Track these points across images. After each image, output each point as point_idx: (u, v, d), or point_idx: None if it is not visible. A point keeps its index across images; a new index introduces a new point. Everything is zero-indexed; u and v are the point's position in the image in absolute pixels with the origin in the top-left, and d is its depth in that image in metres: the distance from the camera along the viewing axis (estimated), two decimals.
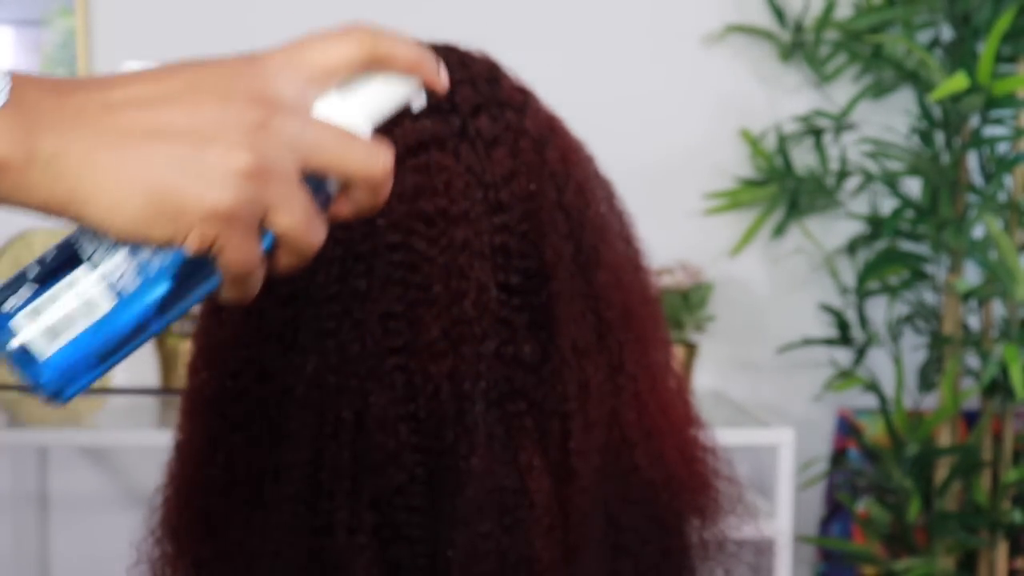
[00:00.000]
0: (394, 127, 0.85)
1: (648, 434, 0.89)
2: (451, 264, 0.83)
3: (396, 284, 0.84)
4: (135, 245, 0.56)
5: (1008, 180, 2.30)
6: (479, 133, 0.86)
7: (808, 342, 2.53)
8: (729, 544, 0.96)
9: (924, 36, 2.42)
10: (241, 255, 0.56)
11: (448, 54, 0.91)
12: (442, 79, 0.66)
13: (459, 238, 0.84)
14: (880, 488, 2.38)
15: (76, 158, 0.52)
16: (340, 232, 0.84)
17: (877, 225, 2.45)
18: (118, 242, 0.56)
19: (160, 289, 0.57)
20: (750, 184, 2.55)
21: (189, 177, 0.54)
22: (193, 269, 0.57)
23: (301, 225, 0.58)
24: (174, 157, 0.53)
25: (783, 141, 2.53)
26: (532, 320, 0.85)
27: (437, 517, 0.83)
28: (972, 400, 2.45)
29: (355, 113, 0.62)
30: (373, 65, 0.63)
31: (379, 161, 0.61)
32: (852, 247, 2.54)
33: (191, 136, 0.54)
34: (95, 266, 0.56)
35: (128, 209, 0.53)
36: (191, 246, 0.55)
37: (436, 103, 0.86)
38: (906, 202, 2.31)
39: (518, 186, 0.86)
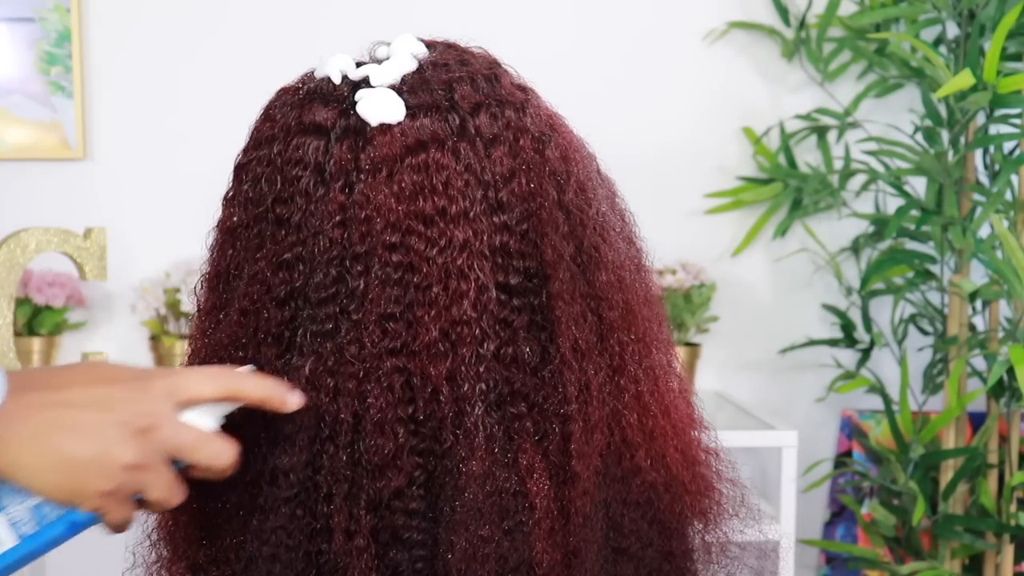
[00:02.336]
0: (393, 125, 0.84)
1: (650, 436, 0.88)
2: (450, 264, 0.83)
3: (394, 285, 0.83)
4: (40, 502, 0.81)
5: (1014, 179, 2.28)
6: (479, 132, 0.85)
7: (812, 343, 2.52)
8: (732, 547, 0.95)
9: (929, 33, 2.41)
10: (117, 518, 0.82)
11: (447, 51, 0.90)
12: (290, 403, 0.84)
13: (459, 238, 0.83)
14: (885, 490, 2.36)
15: (16, 444, 0.79)
16: (337, 232, 0.83)
17: (881, 224, 2.44)
18: (28, 498, 0.81)
19: (51, 532, 0.82)
20: (753, 183, 2.53)
21: (89, 469, 0.80)
22: (80, 521, 0.82)
23: (164, 496, 0.83)
24: (81, 453, 0.80)
25: (786, 139, 2.51)
26: (532, 321, 0.84)
27: (436, 520, 0.82)
28: (978, 402, 2.43)
29: (208, 418, 0.84)
30: (229, 398, 0.83)
31: (225, 456, 0.83)
32: (856, 247, 2.52)
33: (96, 439, 0.80)
34: (7, 513, 0.81)
35: (47, 481, 0.80)
36: (85, 509, 0.81)
37: (435, 102, 0.85)
38: (911, 201, 2.29)
39: (518, 185, 0.85)
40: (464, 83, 0.87)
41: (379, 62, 0.89)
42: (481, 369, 0.83)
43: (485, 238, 0.84)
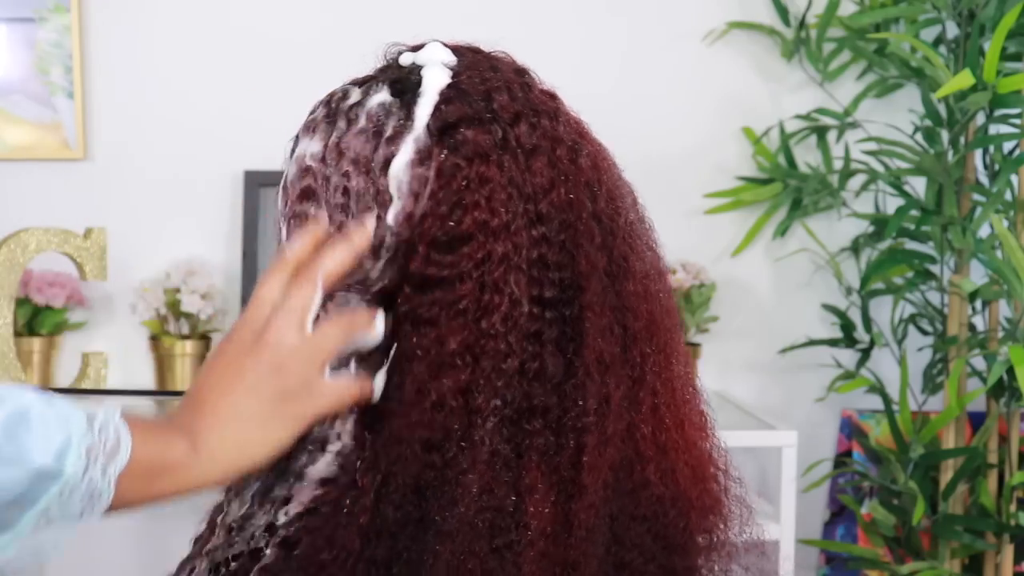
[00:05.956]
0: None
1: (662, 450, 0.87)
2: (486, 278, 0.81)
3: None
4: None
5: (1014, 179, 2.28)
6: (519, 142, 0.83)
7: (812, 343, 2.51)
8: (736, 567, 0.94)
9: (929, 33, 2.41)
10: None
11: (476, 56, 0.88)
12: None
13: (498, 252, 0.81)
14: (885, 490, 2.36)
15: (218, 450, 0.85)
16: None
17: (881, 224, 2.44)
18: None
19: None
20: (753, 183, 2.53)
21: (280, 442, 0.85)
22: None
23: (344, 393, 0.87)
24: (264, 437, 0.85)
25: (786, 139, 2.51)
26: (562, 332, 0.83)
27: (426, 528, 0.81)
28: (978, 401, 2.43)
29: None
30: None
31: (357, 391, 0.86)
32: (856, 247, 2.52)
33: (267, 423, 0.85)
34: None
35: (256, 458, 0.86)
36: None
37: (476, 114, 0.83)
38: (911, 201, 2.29)
39: (557, 196, 0.83)
40: (502, 92, 0.85)
41: (401, 67, 0.88)
42: (499, 384, 0.81)
43: (524, 252, 0.82)
